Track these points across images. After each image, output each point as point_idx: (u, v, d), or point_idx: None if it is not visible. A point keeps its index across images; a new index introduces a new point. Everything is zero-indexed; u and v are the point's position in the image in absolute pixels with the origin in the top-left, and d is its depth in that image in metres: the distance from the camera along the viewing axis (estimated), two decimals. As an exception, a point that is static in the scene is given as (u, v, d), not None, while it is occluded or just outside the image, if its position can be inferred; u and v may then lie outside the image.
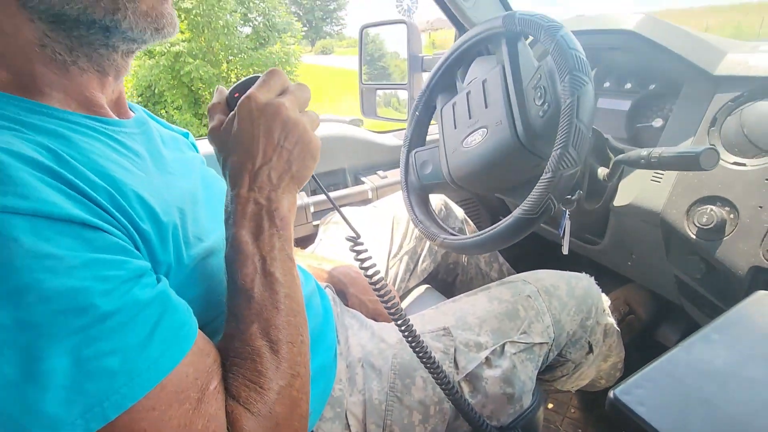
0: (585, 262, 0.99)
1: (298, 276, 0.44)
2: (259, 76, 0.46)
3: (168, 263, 0.40)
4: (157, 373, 0.32)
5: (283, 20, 9.00)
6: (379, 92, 1.39)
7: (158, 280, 0.36)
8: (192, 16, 7.41)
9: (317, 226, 1.04)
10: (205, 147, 0.88)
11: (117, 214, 0.35)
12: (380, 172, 1.22)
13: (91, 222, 0.32)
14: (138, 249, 0.36)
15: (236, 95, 0.47)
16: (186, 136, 0.65)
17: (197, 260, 0.43)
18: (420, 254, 0.94)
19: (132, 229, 0.36)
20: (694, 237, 0.68)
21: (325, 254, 0.89)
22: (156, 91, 7.94)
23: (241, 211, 0.42)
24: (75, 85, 0.42)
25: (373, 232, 0.92)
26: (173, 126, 0.63)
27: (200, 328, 0.38)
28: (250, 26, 8.70)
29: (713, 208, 0.65)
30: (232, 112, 0.44)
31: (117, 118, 0.46)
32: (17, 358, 0.27)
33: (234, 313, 0.41)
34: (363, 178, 1.21)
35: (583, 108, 0.53)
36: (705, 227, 0.65)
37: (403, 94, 1.32)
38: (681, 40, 0.73)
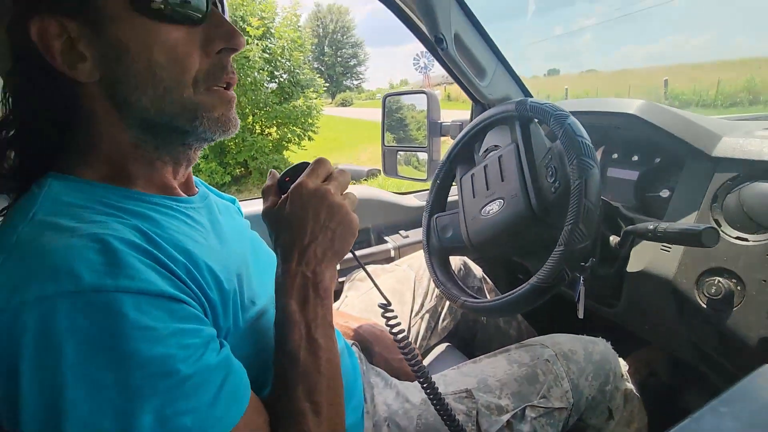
0: (604, 323, 1.00)
1: (336, 341, 0.49)
2: (307, 163, 0.54)
3: (227, 327, 0.45)
4: (222, 430, 0.37)
5: (307, 77, 9.57)
6: (400, 152, 1.49)
7: (221, 345, 0.42)
8: (223, 74, 7.96)
9: (342, 282, 1.09)
10: (247, 208, 0.97)
11: (192, 285, 0.41)
12: (402, 232, 1.28)
13: (175, 295, 0.38)
14: (207, 316, 0.42)
15: (287, 179, 0.55)
16: (233, 202, 0.72)
17: (251, 322, 0.49)
18: (441, 312, 0.98)
19: (203, 298, 0.42)
20: (705, 307, 0.70)
21: (350, 310, 0.94)
22: (185, 141, 8.39)
23: (291, 283, 0.47)
24: (156, 174, 0.50)
25: (396, 290, 0.96)
26: (223, 194, 0.71)
27: (250, 383, 0.43)
28: (275, 83, 9.24)
29: (720, 279, 0.67)
30: (285, 195, 0.51)
31: (186, 196, 0.54)
32: (115, 415, 0.33)
33: (281, 375, 0.45)
34: (386, 237, 1.27)
35: (590, 189, 0.59)
36: (714, 298, 0.67)
37: (422, 155, 1.42)
38: (678, 123, 0.79)
